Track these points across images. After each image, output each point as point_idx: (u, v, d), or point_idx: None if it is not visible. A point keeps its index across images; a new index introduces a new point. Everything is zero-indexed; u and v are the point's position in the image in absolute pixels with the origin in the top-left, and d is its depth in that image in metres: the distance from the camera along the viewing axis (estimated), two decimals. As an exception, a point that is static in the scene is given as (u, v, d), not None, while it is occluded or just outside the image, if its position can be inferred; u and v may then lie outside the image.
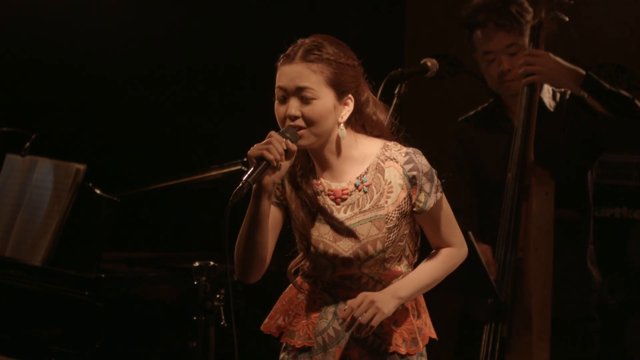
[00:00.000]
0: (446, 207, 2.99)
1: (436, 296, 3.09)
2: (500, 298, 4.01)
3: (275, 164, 2.79)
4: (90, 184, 4.18)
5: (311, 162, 2.98)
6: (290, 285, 3.06)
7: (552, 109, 4.22)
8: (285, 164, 2.83)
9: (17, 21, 5.42)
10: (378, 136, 2.97)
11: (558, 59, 4.10)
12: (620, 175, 5.01)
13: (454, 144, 4.34)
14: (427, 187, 2.93)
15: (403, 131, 3.01)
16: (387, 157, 2.93)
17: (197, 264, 3.72)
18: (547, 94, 4.25)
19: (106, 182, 4.34)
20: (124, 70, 5.54)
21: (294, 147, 2.82)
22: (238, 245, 2.90)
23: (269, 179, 2.81)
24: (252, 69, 5.68)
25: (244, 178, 2.77)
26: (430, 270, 2.97)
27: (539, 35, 4.12)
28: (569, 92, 4.25)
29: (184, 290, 3.99)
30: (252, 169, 2.79)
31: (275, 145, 2.79)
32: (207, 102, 5.72)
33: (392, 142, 2.96)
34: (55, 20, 5.45)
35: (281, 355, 3.05)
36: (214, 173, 4.51)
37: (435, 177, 2.95)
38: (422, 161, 2.94)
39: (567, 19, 4.16)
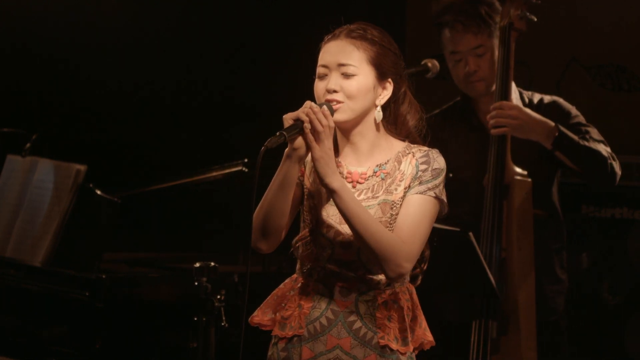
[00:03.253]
0: (424, 215, 2.91)
1: (432, 297, 3.07)
2: (500, 297, 4.01)
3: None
4: (91, 185, 4.18)
5: (336, 143, 3.00)
6: (284, 282, 3.06)
7: None
8: None
9: (18, 22, 5.42)
10: (403, 138, 3.01)
11: (528, 111, 4.09)
12: (620, 176, 5.02)
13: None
14: (425, 177, 2.93)
15: (429, 138, 3.02)
16: (407, 152, 2.98)
17: (197, 264, 3.73)
18: (513, 94, 4.23)
19: (107, 182, 4.35)
20: (124, 70, 5.55)
21: (330, 116, 2.86)
22: (259, 209, 2.92)
23: (302, 143, 2.85)
24: (255, 69, 5.69)
25: (281, 131, 2.80)
26: (373, 220, 2.85)
27: (509, 36, 4.11)
28: (536, 97, 4.25)
29: (185, 290, 3.99)
30: (288, 127, 2.83)
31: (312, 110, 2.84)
32: (207, 103, 5.72)
33: (415, 144, 3.00)
34: (56, 21, 5.45)
35: (270, 352, 3.04)
36: (214, 173, 4.51)
37: (440, 180, 2.95)
38: (437, 159, 2.96)
39: (535, 19, 4.15)
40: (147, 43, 5.57)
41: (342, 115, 2.91)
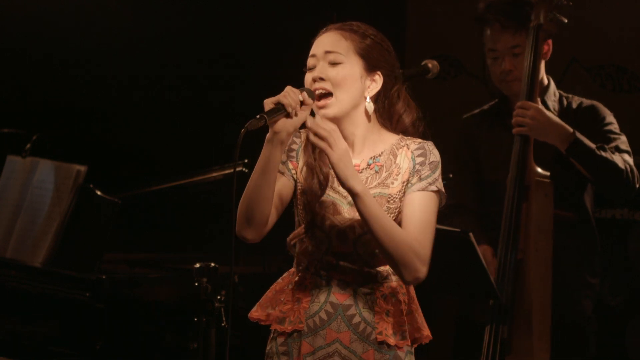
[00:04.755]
0: (431, 211, 2.92)
1: (432, 297, 3.08)
2: (501, 299, 4.01)
3: (290, 110, 2.83)
4: (91, 185, 4.18)
5: None
6: (282, 276, 3.06)
7: (555, 112, 4.22)
8: (301, 116, 2.86)
9: (19, 22, 5.42)
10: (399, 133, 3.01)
11: (549, 114, 4.09)
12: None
13: (458, 141, 4.35)
14: (424, 172, 2.93)
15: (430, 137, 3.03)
16: (401, 145, 2.97)
17: (197, 265, 3.73)
18: (552, 97, 4.25)
19: (107, 183, 4.35)
20: (125, 71, 5.55)
21: (309, 99, 2.87)
22: (243, 197, 2.92)
23: (283, 126, 2.84)
24: (253, 69, 5.69)
25: (260, 114, 2.81)
26: (390, 221, 2.85)
27: (538, 37, 4.12)
28: (575, 100, 4.26)
29: (185, 291, 4.00)
30: (268, 110, 2.83)
31: (290, 94, 2.84)
32: (208, 103, 5.73)
33: (409, 137, 3.00)
34: (57, 22, 5.45)
35: (268, 347, 3.04)
36: (214, 174, 4.51)
37: (438, 173, 2.94)
38: (432, 151, 2.96)
39: (566, 20, 4.16)
40: (147, 43, 5.57)
41: (331, 110, 2.92)
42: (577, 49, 5.29)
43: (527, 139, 4.10)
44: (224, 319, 3.84)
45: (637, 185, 4.13)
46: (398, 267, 2.86)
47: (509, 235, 4.04)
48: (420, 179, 2.92)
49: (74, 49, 5.46)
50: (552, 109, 4.22)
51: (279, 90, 2.88)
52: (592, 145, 4.07)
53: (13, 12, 5.42)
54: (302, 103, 2.86)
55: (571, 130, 4.06)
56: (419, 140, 2.98)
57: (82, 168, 4.20)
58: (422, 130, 3.03)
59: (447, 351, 4.45)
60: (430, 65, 4.21)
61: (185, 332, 3.97)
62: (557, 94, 4.28)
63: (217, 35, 5.70)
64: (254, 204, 2.90)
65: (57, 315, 4.01)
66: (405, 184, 2.93)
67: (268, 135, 2.86)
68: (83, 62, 5.48)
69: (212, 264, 3.73)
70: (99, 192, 4.15)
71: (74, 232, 4.14)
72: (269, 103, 2.84)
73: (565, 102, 4.27)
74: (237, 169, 4.40)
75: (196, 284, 3.68)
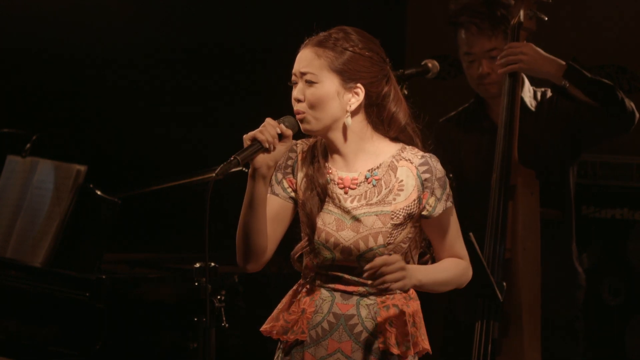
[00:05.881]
0: (455, 219, 3.01)
1: (420, 298, 3.09)
2: (501, 299, 4.00)
3: (267, 145, 2.85)
4: (91, 185, 4.18)
5: (326, 150, 3.02)
6: (292, 288, 3.06)
7: (533, 108, 4.22)
8: (280, 148, 2.88)
9: (19, 22, 5.42)
10: (395, 138, 2.99)
11: (539, 49, 4.08)
12: (620, 176, 5.01)
13: (435, 145, 4.33)
14: (438, 192, 2.94)
15: (430, 145, 3.03)
16: (402, 157, 2.97)
17: (197, 265, 3.72)
18: (527, 93, 4.24)
19: (107, 183, 4.34)
20: (125, 71, 5.55)
21: (288, 131, 2.88)
22: (238, 231, 2.96)
23: (262, 161, 2.87)
24: (253, 72, 5.69)
25: (234, 155, 2.83)
26: (445, 270, 2.98)
27: (518, 35, 4.11)
28: (549, 91, 4.26)
29: (185, 291, 4.00)
30: (242, 149, 2.86)
31: (268, 128, 2.86)
32: (209, 104, 5.73)
33: (410, 147, 2.98)
34: (56, 21, 5.45)
35: (275, 356, 3.07)
36: (214, 174, 4.50)
37: (448, 186, 2.96)
38: (437, 166, 2.97)
39: (546, 18, 4.14)
40: (147, 43, 5.57)
41: (308, 125, 2.94)
42: (577, 49, 5.29)
43: (511, 135, 4.07)
44: (223, 318, 3.84)
45: (635, 112, 4.08)
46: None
47: (496, 234, 4.03)
48: (438, 200, 2.95)
49: (74, 49, 5.46)
50: (529, 105, 4.22)
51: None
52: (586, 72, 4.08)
53: (13, 11, 5.41)
54: (280, 136, 2.87)
55: (564, 62, 4.05)
56: (421, 153, 2.98)
57: (82, 168, 4.20)
58: (419, 129, 3.03)
59: (436, 351, 4.46)
60: (430, 65, 4.22)
61: (185, 332, 3.97)
62: (532, 90, 4.27)
63: (217, 34, 5.70)
64: (247, 238, 2.94)
65: (57, 315, 4.01)
66: (415, 202, 2.94)
67: (250, 170, 2.90)
68: (83, 62, 5.48)
69: (212, 264, 3.73)
70: (99, 192, 4.15)
71: (74, 232, 4.14)
72: (247, 140, 2.86)
73: (539, 96, 4.27)
74: (237, 169, 4.43)
75: (196, 283, 3.68)
